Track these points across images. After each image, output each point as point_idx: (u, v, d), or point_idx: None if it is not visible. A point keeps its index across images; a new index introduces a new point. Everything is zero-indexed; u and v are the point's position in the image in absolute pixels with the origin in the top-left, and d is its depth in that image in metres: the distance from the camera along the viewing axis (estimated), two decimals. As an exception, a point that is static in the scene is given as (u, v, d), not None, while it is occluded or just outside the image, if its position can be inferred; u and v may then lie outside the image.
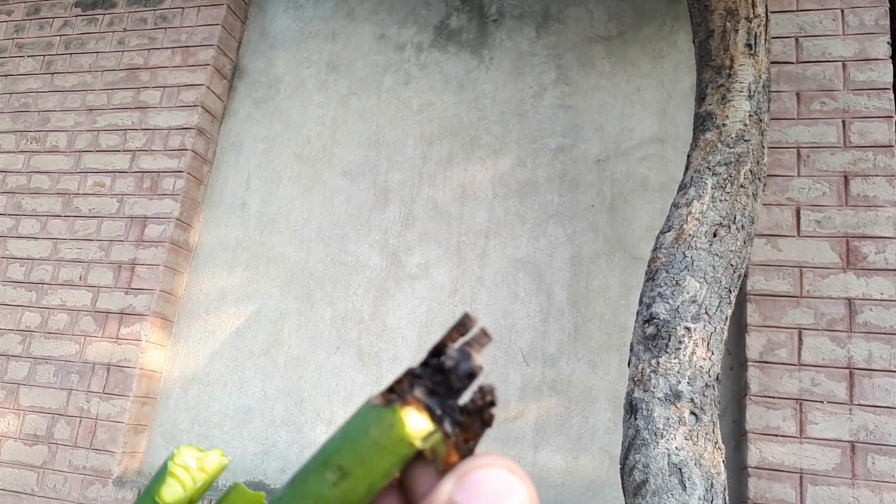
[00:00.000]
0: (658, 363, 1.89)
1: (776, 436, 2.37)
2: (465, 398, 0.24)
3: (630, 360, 1.99)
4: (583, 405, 2.76)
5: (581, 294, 2.88)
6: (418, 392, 0.23)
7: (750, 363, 2.46)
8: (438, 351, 0.23)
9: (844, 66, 2.70)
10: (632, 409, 1.92)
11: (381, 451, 0.22)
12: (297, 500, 0.23)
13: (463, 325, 0.24)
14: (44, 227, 3.53)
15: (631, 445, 1.88)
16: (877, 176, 2.55)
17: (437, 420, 0.23)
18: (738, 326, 2.58)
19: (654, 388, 1.88)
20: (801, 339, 2.44)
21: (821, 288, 2.48)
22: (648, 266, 2.06)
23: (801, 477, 2.31)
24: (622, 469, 1.91)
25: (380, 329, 3.09)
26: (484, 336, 0.24)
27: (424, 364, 0.24)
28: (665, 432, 1.83)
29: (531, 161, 3.13)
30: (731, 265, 1.99)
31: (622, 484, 1.91)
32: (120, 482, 3.02)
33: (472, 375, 0.23)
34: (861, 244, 2.49)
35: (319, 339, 3.16)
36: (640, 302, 2.03)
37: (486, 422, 0.23)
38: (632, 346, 2.01)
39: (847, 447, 2.30)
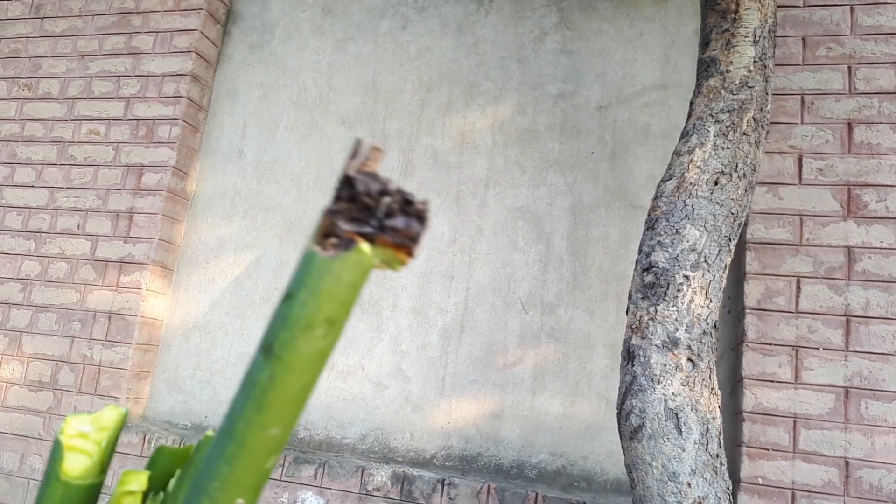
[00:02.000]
0: (656, 311, 1.90)
1: (772, 381, 2.40)
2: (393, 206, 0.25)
3: (628, 308, 2.00)
4: (580, 352, 2.79)
5: (580, 243, 2.88)
6: (347, 226, 0.24)
7: (748, 311, 2.47)
8: (347, 182, 0.24)
9: (852, 10, 2.64)
10: (629, 355, 1.94)
11: (351, 287, 0.24)
12: (298, 364, 0.24)
13: (357, 151, 0.25)
14: (39, 175, 3.51)
15: (628, 391, 1.91)
16: (881, 123, 2.52)
17: (371, 238, 0.24)
18: (737, 274, 2.59)
19: (652, 335, 1.89)
20: (799, 287, 2.45)
21: (820, 236, 2.48)
22: (648, 215, 2.05)
23: (794, 421, 2.35)
24: (619, 414, 1.95)
25: (379, 278, 3.10)
26: (374, 151, 0.25)
27: (338, 199, 0.25)
28: (662, 378, 1.85)
29: (531, 108, 3.09)
30: (732, 213, 1.99)
31: (619, 428, 1.95)
32: (125, 427, 3.07)
33: (383, 191, 0.24)
34: (862, 192, 2.48)
35: (319, 287, 3.17)
36: (640, 251, 2.03)
37: (420, 216, 0.25)
38: (630, 294, 2.02)
39: (841, 393, 2.34)
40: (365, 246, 0.25)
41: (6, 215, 3.51)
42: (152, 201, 3.30)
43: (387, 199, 0.25)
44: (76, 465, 0.26)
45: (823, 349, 2.38)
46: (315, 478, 2.78)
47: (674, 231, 1.95)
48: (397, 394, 2.95)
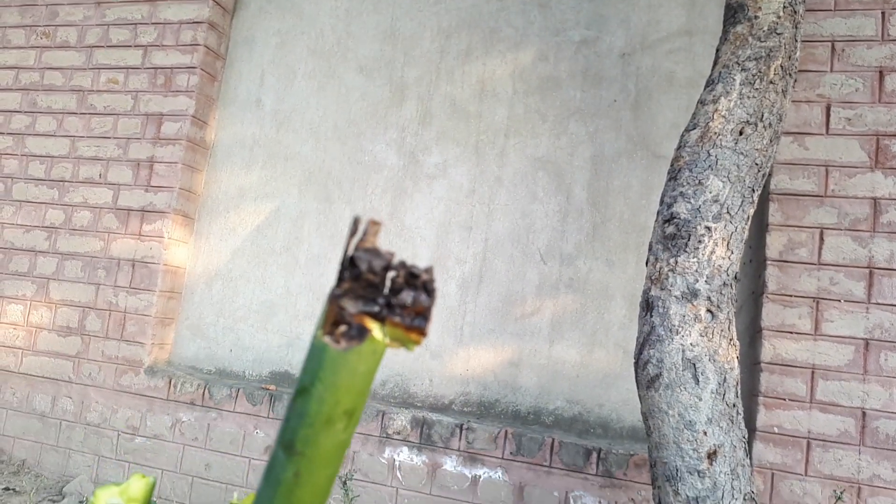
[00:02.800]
0: (676, 262, 1.90)
1: (791, 333, 2.40)
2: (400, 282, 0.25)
3: (648, 260, 2.00)
4: (599, 302, 2.79)
5: (601, 194, 2.86)
6: (354, 307, 0.24)
7: (769, 262, 2.46)
8: (350, 262, 0.24)
9: (889, -49, 2.54)
10: (648, 306, 1.94)
11: (367, 376, 0.24)
12: (321, 459, 0.24)
13: (355, 228, 0.25)
14: (60, 124, 3.52)
15: (646, 341, 1.92)
16: (914, 70, 2.45)
17: (380, 318, 0.24)
18: (760, 226, 2.56)
19: (672, 286, 1.89)
20: (822, 239, 2.43)
21: (846, 187, 2.44)
22: (671, 165, 2.03)
23: (812, 372, 2.36)
24: (636, 363, 1.96)
25: (398, 229, 3.11)
26: (372, 225, 0.25)
27: (341, 280, 0.24)
28: (680, 329, 1.86)
29: (553, 55, 3.03)
30: (756, 164, 1.96)
31: (636, 377, 1.97)
32: (151, 371, 3.16)
33: (386, 266, 0.24)
34: (892, 143, 2.42)
35: (339, 237, 3.19)
36: (662, 201, 2.02)
37: (428, 289, 0.24)
38: (651, 245, 2.01)
39: (861, 344, 2.33)
40: (377, 332, 0.25)
41: (29, 164, 3.54)
42: (172, 150, 3.31)
43: (391, 274, 0.25)
44: None
45: (845, 301, 2.37)
46: (336, 422, 2.84)
47: (696, 182, 1.93)
48: (416, 342, 2.99)
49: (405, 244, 3.08)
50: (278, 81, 3.43)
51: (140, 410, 3.14)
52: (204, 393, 3.04)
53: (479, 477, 2.65)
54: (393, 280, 0.24)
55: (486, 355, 2.89)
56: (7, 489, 2.97)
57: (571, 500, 2.54)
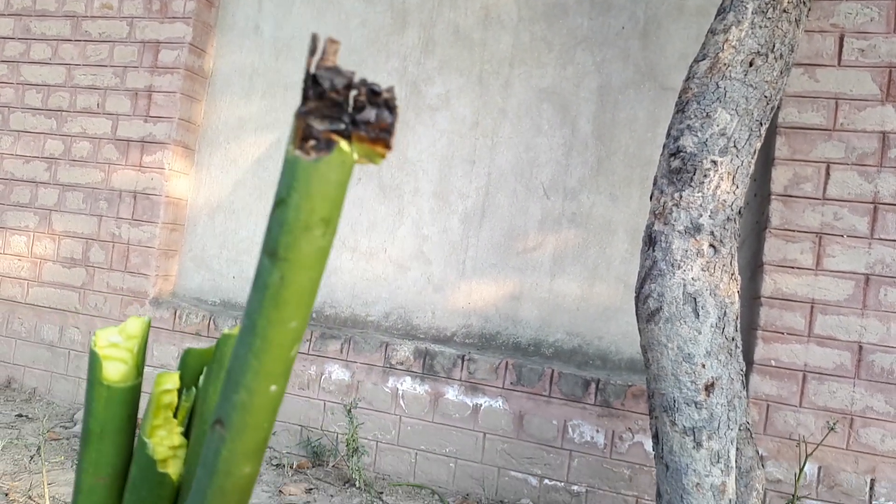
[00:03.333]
0: (681, 197, 1.88)
1: (792, 268, 2.41)
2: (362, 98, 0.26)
3: (652, 194, 1.99)
4: (601, 237, 2.80)
5: (607, 126, 2.82)
6: (321, 125, 0.25)
7: (773, 196, 2.45)
8: (313, 80, 0.25)
9: None
10: (651, 241, 1.94)
11: (339, 186, 0.25)
12: (303, 263, 0.26)
13: (314, 48, 0.25)
14: (55, 52, 3.45)
15: (647, 275, 1.93)
16: (933, -1, 2.37)
17: (346, 134, 0.25)
18: (765, 159, 2.53)
19: (675, 221, 1.89)
20: (828, 173, 2.41)
21: (855, 121, 2.40)
22: (679, 97, 1.99)
23: (812, 307, 2.38)
24: (637, 297, 1.98)
25: (400, 161, 3.08)
26: (331, 44, 0.25)
27: (306, 99, 0.25)
28: (682, 264, 1.86)
29: (560, -19, 2.93)
30: (766, 97, 1.92)
31: (636, 311, 1.98)
32: (156, 302, 3.19)
33: (348, 85, 0.25)
34: (904, 75, 2.37)
35: (340, 169, 3.17)
36: (668, 134, 1.99)
37: (389, 105, 0.26)
38: (655, 179, 2.00)
39: (861, 279, 2.35)
40: (344, 144, 0.26)
41: (26, 93, 3.49)
42: (170, 79, 3.25)
43: (353, 93, 0.26)
44: (114, 371, 0.29)
45: (847, 236, 2.37)
46: (341, 352, 2.90)
47: (704, 114, 1.90)
48: (419, 275, 3.01)
49: (407, 178, 3.06)
50: (276, 7, 3.33)
51: (150, 351, 3.19)
52: (209, 324, 3.08)
53: (480, 406, 2.71)
54: (355, 98, 0.25)
55: (487, 289, 2.91)
56: (20, 416, 3.05)
57: (570, 429, 2.61)
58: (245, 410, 0.25)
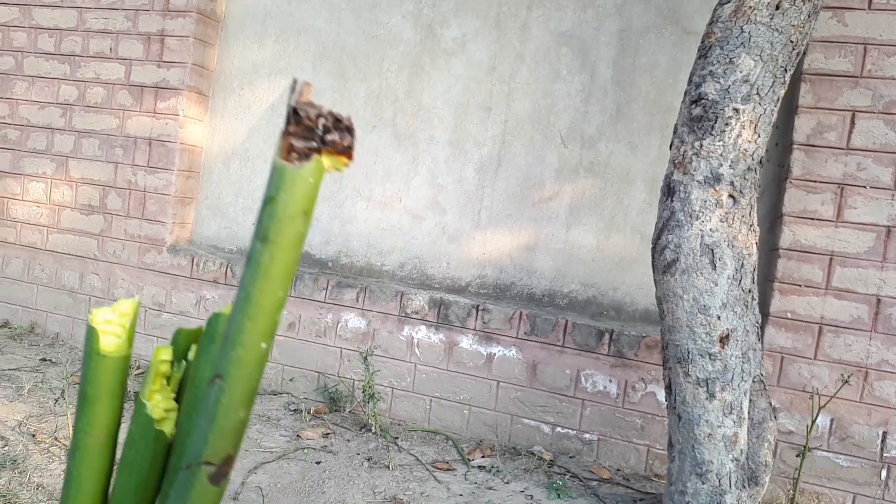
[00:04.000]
0: (701, 146, 1.84)
1: (812, 219, 2.37)
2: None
3: (672, 143, 1.94)
4: (618, 187, 2.76)
5: (627, 72, 2.75)
6: (301, 144, 0.32)
7: (795, 146, 2.39)
8: (294, 112, 0.32)
9: None
10: (669, 190, 1.91)
11: (315, 186, 0.33)
12: (288, 245, 0.33)
13: (294, 88, 0.33)
14: (66, -5, 3.40)
15: (665, 226, 1.91)
16: (974, -63, 2.25)
17: (318, 150, 0.33)
18: (789, 107, 2.47)
19: (695, 170, 1.85)
20: (853, 122, 2.34)
21: (884, 67, 2.32)
22: (702, 42, 1.93)
23: (830, 259, 2.34)
24: (654, 248, 1.96)
25: (415, 108, 3.03)
26: (306, 85, 0.33)
27: (289, 124, 0.33)
28: (701, 214, 1.83)
29: (581, -80, 2.82)
30: (791, 42, 1.85)
31: (652, 262, 1.97)
32: (174, 250, 3.21)
33: (319, 114, 0.33)
34: (940, 18, 2.27)
35: (355, 117, 3.13)
36: (690, 81, 1.93)
37: (348, 129, 0.33)
38: (675, 127, 1.95)
39: (882, 232, 2.30)
40: (317, 157, 0.33)
41: (38, 37, 3.46)
42: (182, 23, 3.20)
43: (322, 120, 0.33)
44: (109, 343, 0.33)
45: (870, 187, 2.32)
46: (357, 301, 2.91)
47: (727, 60, 1.84)
48: (434, 225, 3.00)
49: (422, 125, 3.02)
50: (289, -51, 3.25)
51: (164, 288, 3.23)
52: (227, 272, 3.10)
53: (494, 355, 2.73)
54: (324, 125, 0.32)
55: (502, 239, 2.90)
56: (44, 360, 3.12)
57: (582, 378, 2.63)
58: (241, 364, 0.31)
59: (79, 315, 3.38)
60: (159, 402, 0.34)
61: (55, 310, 3.43)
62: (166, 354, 0.35)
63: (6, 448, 2.22)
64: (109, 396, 0.33)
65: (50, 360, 3.11)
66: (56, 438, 2.32)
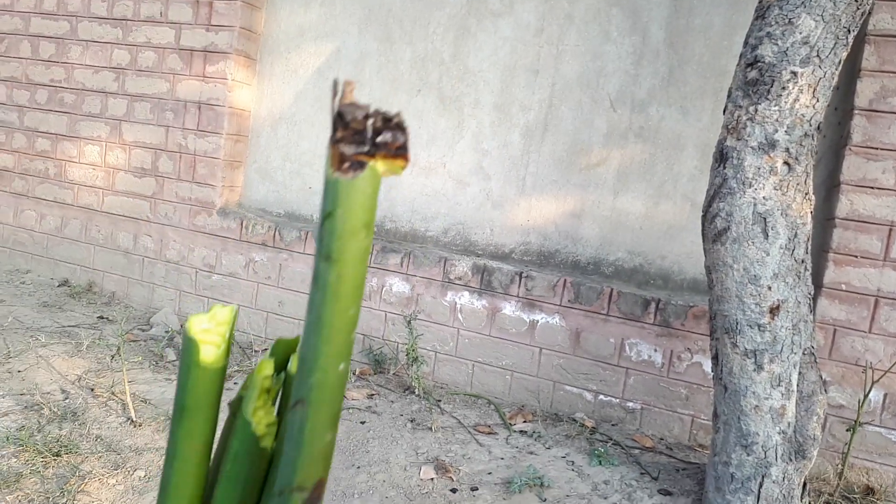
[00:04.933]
0: (756, 110, 1.78)
1: (872, 188, 2.27)
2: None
3: (726, 107, 1.88)
4: (669, 152, 2.69)
5: (680, 33, 2.66)
6: (351, 150, 0.30)
7: (857, 111, 2.29)
8: (339, 116, 0.30)
9: None
10: (722, 157, 1.85)
11: (373, 196, 0.31)
12: (352, 262, 0.32)
13: (335, 91, 0.31)
14: (118, -41, 3.44)
15: (716, 194, 1.86)
16: None
17: (371, 154, 0.30)
18: (850, 70, 2.36)
19: (749, 136, 1.79)
20: (922, 86, 2.23)
21: (959, 27, 2.19)
22: (759, 1, 1.85)
23: (890, 229, 2.26)
24: (704, 216, 1.91)
25: (461, 71, 3.00)
26: (347, 85, 0.31)
27: (335, 130, 0.30)
28: (754, 182, 1.78)
29: None
30: (856, 0, 1.76)
31: (702, 230, 1.92)
32: (223, 213, 3.28)
33: (366, 115, 0.30)
34: None
35: (400, 80, 3.11)
36: (746, 43, 1.86)
37: (400, 126, 0.31)
38: (730, 91, 1.88)
39: (948, 202, 2.20)
40: (373, 163, 0.31)
41: (92, 2, 3.51)
42: (230, -13, 3.21)
43: (370, 121, 0.31)
44: (208, 354, 0.34)
45: (938, 155, 2.21)
46: (401, 265, 2.93)
47: (786, 21, 1.76)
48: (478, 191, 2.98)
49: (467, 89, 2.99)
50: None
51: (215, 250, 3.30)
52: (275, 235, 3.15)
53: (537, 322, 2.73)
54: (373, 125, 0.30)
55: (548, 206, 2.87)
56: (101, 318, 3.24)
57: (627, 347, 2.60)
58: (321, 388, 0.31)
59: (133, 276, 3.48)
60: (262, 419, 0.34)
61: (111, 270, 3.54)
62: (269, 369, 0.35)
63: (67, 401, 2.32)
64: (207, 407, 0.34)
65: (106, 318, 3.23)
66: (113, 393, 2.42)
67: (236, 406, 0.35)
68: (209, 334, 0.34)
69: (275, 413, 0.35)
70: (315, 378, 0.31)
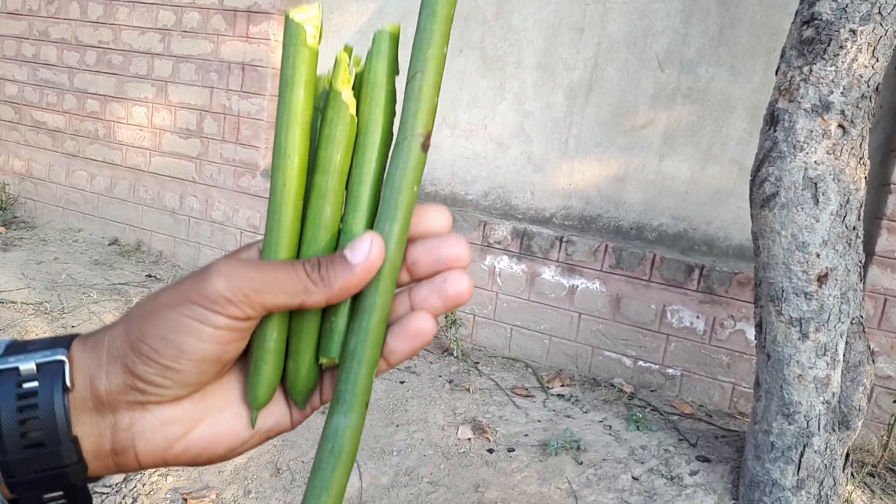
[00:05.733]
0: (811, 70, 1.71)
1: (933, 153, 2.18)
2: None
3: (779, 68, 1.81)
4: (717, 114, 2.61)
5: (732, -10, 2.56)
6: None
7: (921, 72, 2.18)
8: None
9: None
10: (773, 119, 1.79)
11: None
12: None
13: None
14: (162, -81, 3.44)
15: (766, 157, 1.80)
16: None
17: None
18: (917, 29, 2.24)
19: (802, 98, 1.72)
20: None
21: None
22: (820, -45, 1.76)
23: (950, 196, 2.16)
24: (752, 181, 1.86)
25: (504, 30, 2.94)
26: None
27: None
28: (805, 146, 1.72)
29: None
30: (926, -48, 1.66)
31: (750, 196, 1.87)
32: (267, 174, 3.31)
33: None
34: None
35: (443, 40, 3.07)
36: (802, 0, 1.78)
37: None
38: (783, 51, 1.81)
39: None
40: None
41: (137, -37, 3.54)
42: (273, -54, 3.19)
43: None
44: (309, 36, 0.39)
45: None
46: (439, 228, 2.93)
47: (848, -25, 1.67)
48: (519, 154, 2.95)
49: (510, 48, 2.93)
50: None
51: (259, 211, 3.35)
52: (315, 196, 3.18)
53: (577, 287, 2.71)
54: None
55: (590, 169, 2.82)
56: (149, 276, 3.33)
57: (668, 314, 2.57)
58: (435, 60, 0.38)
59: (179, 235, 3.56)
60: (347, 87, 0.41)
61: (158, 229, 3.63)
62: (348, 54, 0.42)
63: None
64: (309, 84, 0.40)
65: (155, 277, 3.32)
66: (161, 348, 2.49)
67: (328, 82, 0.42)
68: (307, 23, 0.39)
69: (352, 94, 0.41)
70: (431, 52, 0.38)
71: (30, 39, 3.89)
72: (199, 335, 0.33)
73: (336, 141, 0.39)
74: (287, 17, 0.38)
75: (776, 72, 1.82)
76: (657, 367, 2.61)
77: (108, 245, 3.69)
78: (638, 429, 2.23)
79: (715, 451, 2.13)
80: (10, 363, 0.34)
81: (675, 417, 2.38)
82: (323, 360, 0.38)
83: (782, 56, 1.81)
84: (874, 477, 2.10)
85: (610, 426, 2.26)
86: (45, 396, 0.33)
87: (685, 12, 2.63)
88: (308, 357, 0.39)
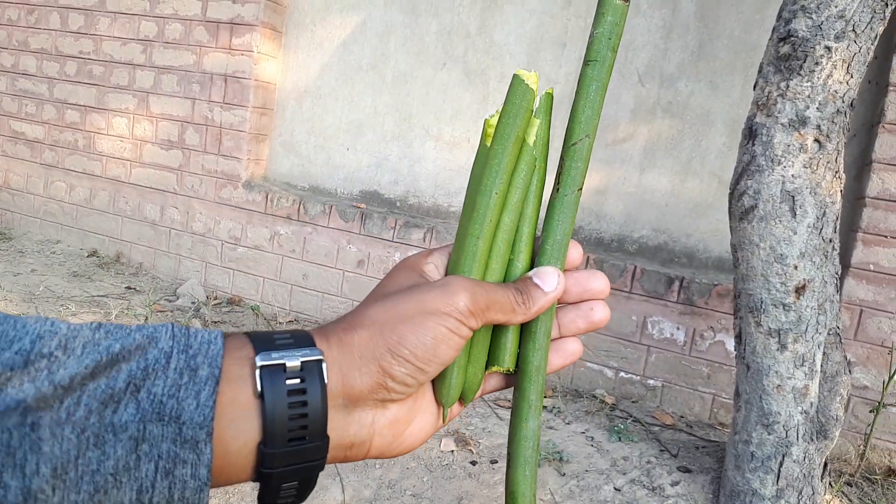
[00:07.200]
0: (788, 86, 1.74)
1: (906, 167, 2.23)
2: None
3: (757, 83, 1.85)
4: (697, 128, 2.65)
5: (711, 6, 2.61)
6: None
7: (892, 87, 2.23)
8: None
9: None
10: (751, 133, 1.83)
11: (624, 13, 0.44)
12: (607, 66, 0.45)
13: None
14: (145, -70, 3.44)
15: (744, 171, 1.83)
16: None
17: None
18: (887, 45, 2.30)
19: (779, 113, 1.76)
20: (961, 62, 2.16)
21: None
22: (795, -26, 1.80)
23: (923, 210, 2.21)
24: (731, 194, 1.89)
25: (487, 45, 2.97)
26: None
27: None
28: (783, 159, 1.75)
29: None
30: (897, -28, 1.71)
31: (729, 208, 1.90)
32: (249, 186, 3.30)
33: None
34: None
35: (425, 53, 3.09)
36: (779, 17, 1.82)
37: None
38: (761, 67, 1.85)
39: (985, 182, 2.15)
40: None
41: (119, -26, 3.53)
42: (256, -41, 3.20)
43: None
44: (532, 99, 0.44)
45: (975, 133, 2.15)
46: (424, 241, 2.94)
47: (822, -6, 1.71)
48: (503, 164, 2.96)
49: (493, 62, 2.96)
50: None
51: (240, 222, 3.33)
52: (299, 208, 3.18)
53: (560, 297, 2.72)
54: None
55: (572, 180, 2.85)
56: (129, 288, 3.30)
57: (649, 325, 2.60)
58: (593, 131, 0.46)
59: (160, 247, 3.54)
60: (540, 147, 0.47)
61: (138, 241, 3.60)
62: (548, 101, 0.48)
63: (97, 368, 2.38)
64: (519, 139, 0.44)
65: (134, 289, 3.29)
66: (141, 361, 2.46)
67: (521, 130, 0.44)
68: (530, 83, 0.42)
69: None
70: (596, 120, 0.45)
71: (9, 49, 3.86)
72: (448, 342, 0.39)
73: (522, 186, 0.45)
74: (515, 77, 0.43)
75: (754, 87, 1.86)
76: (638, 378, 2.63)
77: (87, 257, 3.66)
78: (620, 440, 2.25)
79: (696, 462, 2.15)
80: (275, 359, 0.36)
81: (657, 428, 2.40)
82: (495, 369, 0.46)
83: (760, 72, 1.84)
84: (851, 486, 2.12)
85: (592, 437, 2.27)
86: (312, 393, 0.36)
87: (665, 28, 2.67)
88: (482, 365, 0.45)
